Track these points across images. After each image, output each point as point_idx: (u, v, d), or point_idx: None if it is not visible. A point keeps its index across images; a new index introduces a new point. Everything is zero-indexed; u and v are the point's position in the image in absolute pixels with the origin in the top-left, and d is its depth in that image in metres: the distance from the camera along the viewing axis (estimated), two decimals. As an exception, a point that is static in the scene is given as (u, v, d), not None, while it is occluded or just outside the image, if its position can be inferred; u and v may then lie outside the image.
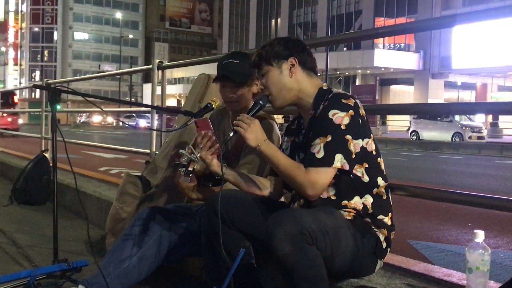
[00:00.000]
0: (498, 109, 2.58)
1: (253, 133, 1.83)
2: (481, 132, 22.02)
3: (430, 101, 33.63)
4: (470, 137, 21.32)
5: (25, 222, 4.07)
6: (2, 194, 5.18)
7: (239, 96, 2.30)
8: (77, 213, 4.30)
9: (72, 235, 3.58)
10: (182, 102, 3.20)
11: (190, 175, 1.96)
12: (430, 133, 22.88)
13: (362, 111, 1.83)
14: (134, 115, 36.68)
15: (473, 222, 4.88)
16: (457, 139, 21.56)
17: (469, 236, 4.29)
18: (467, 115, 22.01)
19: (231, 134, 1.87)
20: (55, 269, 2.37)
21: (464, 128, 21.74)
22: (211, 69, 2.64)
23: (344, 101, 1.80)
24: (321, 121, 1.80)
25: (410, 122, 25.11)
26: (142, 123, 31.61)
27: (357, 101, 1.83)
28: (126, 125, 38.46)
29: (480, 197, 2.03)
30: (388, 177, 1.94)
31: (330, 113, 1.78)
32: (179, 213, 2.40)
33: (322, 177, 1.75)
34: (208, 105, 2.35)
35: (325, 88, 1.92)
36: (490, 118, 28.08)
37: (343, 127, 1.76)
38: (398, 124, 30.85)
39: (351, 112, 1.78)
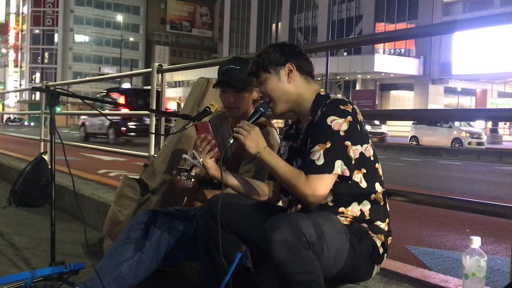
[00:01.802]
0: (498, 115, 2.58)
1: (253, 140, 1.83)
2: (481, 138, 22.03)
3: (430, 106, 33.69)
4: (469, 143, 21.32)
5: (23, 224, 4.07)
6: (0, 195, 5.17)
7: (239, 102, 2.30)
8: (75, 216, 4.29)
9: (69, 238, 3.57)
10: (182, 106, 3.20)
11: (192, 180, 1.96)
12: (430, 138, 22.90)
13: (360, 117, 1.83)
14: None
15: (471, 228, 4.88)
16: (457, 145, 21.57)
17: (467, 242, 4.27)
18: (467, 121, 22.05)
19: (231, 141, 1.87)
20: (52, 271, 2.36)
21: (463, 134, 21.75)
22: (211, 72, 2.65)
23: (342, 107, 1.80)
24: (320, 128, 1.80)
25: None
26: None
27: (355, 106, 1.84)
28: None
29: (479, 203, 2.03)
30: (387, 183, 1.94)
31: (329, 120, 1.78)
32: (177, 216, 2.40)
33: (323, 183, 1.75)
34: (207, 109, 2.35)
35: (322, 93, 1.93)
36: (489, 124, 28.10)
37: (342, 133, 1.76)
38: (399, 129, 30.88)
39: (349, 118, 1.78)
